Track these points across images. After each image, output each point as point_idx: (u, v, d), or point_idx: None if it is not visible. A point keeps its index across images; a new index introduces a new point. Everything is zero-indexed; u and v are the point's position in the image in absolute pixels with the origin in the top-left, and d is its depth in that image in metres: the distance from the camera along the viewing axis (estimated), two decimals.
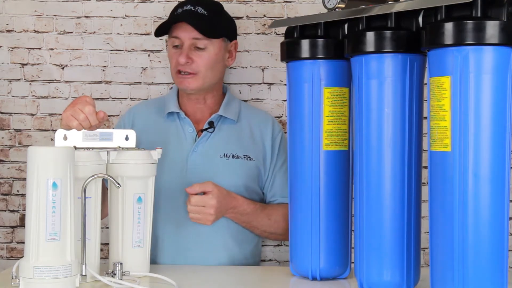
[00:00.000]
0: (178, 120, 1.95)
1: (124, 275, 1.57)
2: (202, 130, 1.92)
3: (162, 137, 1.91)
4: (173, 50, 1.91)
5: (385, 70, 1.45)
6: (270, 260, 2.19)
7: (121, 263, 1.57)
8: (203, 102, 1.96)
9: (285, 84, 1.79)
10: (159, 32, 1.93)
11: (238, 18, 2.15)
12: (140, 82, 2.20)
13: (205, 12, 1.89)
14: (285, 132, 1.86)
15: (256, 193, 1.94)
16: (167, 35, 1.96)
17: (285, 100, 2.12)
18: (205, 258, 1.85)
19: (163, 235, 1.88)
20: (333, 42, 1.58)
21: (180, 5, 1.93)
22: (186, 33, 1.88)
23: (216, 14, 1.93)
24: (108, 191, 1.67)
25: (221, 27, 1.93)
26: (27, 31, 2.18)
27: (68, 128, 1.63)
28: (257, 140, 1.95)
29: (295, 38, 1.63)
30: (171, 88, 2.16)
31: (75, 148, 1.55)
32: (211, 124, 1.92)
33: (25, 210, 1.55)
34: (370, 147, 1.47)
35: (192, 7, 1.89)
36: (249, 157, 1.91)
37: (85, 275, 1.51)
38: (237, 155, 1.90)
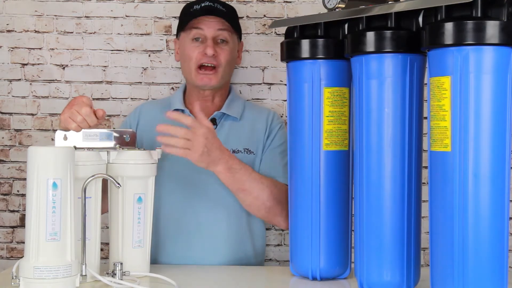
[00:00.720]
0: None
1: (124, 275, 1.57)
2: None
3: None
4: (193, 44, 1.92)
5: (385, 70, 1.44)
6: (270, 260, 2.19)
7: (121, 263, 1.57)
8: (211, 100, 1.97)
9: (285, 84, 1.79)
10: (181, 26, 1.95)
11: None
12: (140, 82, 2.20)
13: (224, 9, 1.95)
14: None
15: None
16: (174, 35, 1.97)
17: (285, 100, 2.12)
18: (206, 258, 1.85)
19: (164, 234, 1.88)
20: (333, 42, 1.58)
21: (196, 2, 1.95)
22: (210, 26, 1.90)
23: (232, 13, 1.99)
24: (108, 189, 1.67)
25: (238, 24, 1.99)
26: (28, 31, 2.18)
27: (67, 130, 1.64)
28: (257, 133, 1.95)
29: (295, 38, 1.63)
30: (172, 88, 2.16)
31: (75, 148, 1.55)
32: (214, 121, 1.93)
33: (25, 210, 1.55)
34: (370, 147, 1.47)
35: (211, 4, 1.93)
36: (250, 151, 1.92)
37: (85, 275, 1.51)
38: (238, 150, 1.91)
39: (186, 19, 1.93)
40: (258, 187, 1.79)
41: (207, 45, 1.89)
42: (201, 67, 1.90)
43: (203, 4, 1.93)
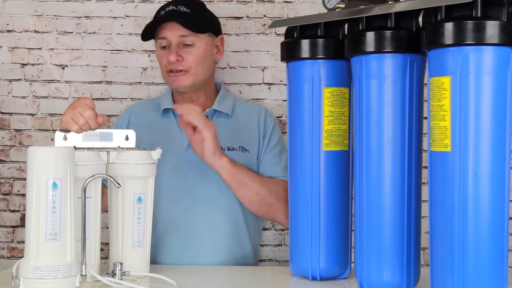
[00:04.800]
0: (174, 116, 1.95)
1: (124, 275, 1.57)
2: None
3: (158, 134, 1.92)
4: (161, 51, 1.93)
5: (385, 70, 1.44)
6: (270, 260, 2.19)
7: (121, 263, 1.57)
8: (196, 99, 1.97)
9: (285, 84, 1.79)
10: (146, 35, 1.94)
11: (238, 18, 2.15)
12: (140, 82, 2.20)
13: (188, 10, 1.91)
14: (285, 132, 1.86)
15: None
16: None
17: (285, 100, 2.12)
18: (206, 257, 1.85)
19: (164, 234, 1.88)
20: (333, 42, 1.58)
21: (162, 7, 1.95)
22: (173, 32, 1.90)
23: (199, 11, 1.96)
24: (108, 190, 1.67)
25: (205, 22, 1.95)
26: (27, 31, 2.19)
27: (67, 130, 1.64)
28: (251, 131, 1.95)
29: (295, 38, 1.63)
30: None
31: (75, 148, 1.55)
32: None
33: (25, 210, 1.55)
34: (370, 147, 1.47)
35: (174, 7, 1.91)
36: (245, 149, 1.92)
37: (85, 275, 1.51)
38: (233, 147, 1.91)
39: (153, 27, 1.92)
40: (257, 182, 1.83)
41: (169, 52, 1.89)
42: (170, 71, 1.91)
43: (167, 9, 1.92)
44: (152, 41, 2.17)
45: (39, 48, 2.19)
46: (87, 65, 2.19)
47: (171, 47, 1.90)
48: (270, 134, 1.96)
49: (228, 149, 1.90)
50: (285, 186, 1.85)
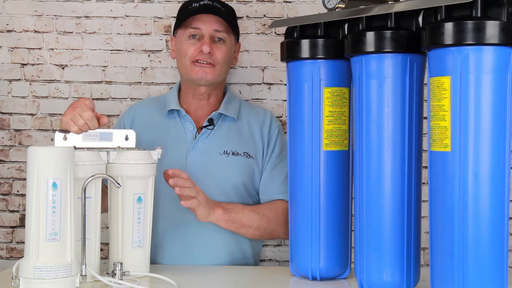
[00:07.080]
0: (179, 117, 1.95)
1: (124, 275, 1.57)
2: (202, 128, 1.92)
3: (162, 134, 1.92)
4: (189, 41, 1.92)
5: (385, 70, 1.45)
6: (270, 260, 2.19)
7: (121, 263, 1.57)
8: (207, 98, 1.96)
9: (285, 84, 1.79)
10: (179, 23, 1.95)
11: (238, 18, 2.15)
12: (140, 82, 2.20)
13: (222, 8, 1.94)
14: (285, 132, 1.86)
15: (253, 191, 1.93)
16: (172, 32, 1.98)
17: (285, 100, 2.12)
18: (205, 258, 1.85)
19: (164, 234, 1.88)
20: (333, 42, 1.58)
21: (195, 0, 1.95)
22: (208, 25, 1.91)
23: (231, 12, 1.99)
24: (108, 190, 1.67)
25: (236, 24, 1.99)
26: (27, 31, 2.18)
27: (67, 131, 1.63)
28: (255, 138, 1.95)
29: (295, 38, 1.63)
30: (171, 88, 2.16)
31: (75, 148, 1.55)
32: (211, 122, 1.93)
33: (25, 210, 1.55)
34: (370, 147, 1.47)
35: (210, 2, 1.93)
36: (249, 155, 1.92)
37: (85, 275, 1.51)
38: (237, 152, 1.91)
39: (184, 16, 1.93)
40: (255, 219, 1.85)
41: (203, 42, 1.89)
42: (197, 61, 1.90)
43: (202, 2, 1.92)
44: (152, 41, 2.18)
45: (39, 48, 2.19)
46: (87, 65, 2.19)
47: (204, 38, 1.90)
48: (275, 142, 1.96)
49: (233, 153, 1.90)
50: (283, 206, 1.87)
